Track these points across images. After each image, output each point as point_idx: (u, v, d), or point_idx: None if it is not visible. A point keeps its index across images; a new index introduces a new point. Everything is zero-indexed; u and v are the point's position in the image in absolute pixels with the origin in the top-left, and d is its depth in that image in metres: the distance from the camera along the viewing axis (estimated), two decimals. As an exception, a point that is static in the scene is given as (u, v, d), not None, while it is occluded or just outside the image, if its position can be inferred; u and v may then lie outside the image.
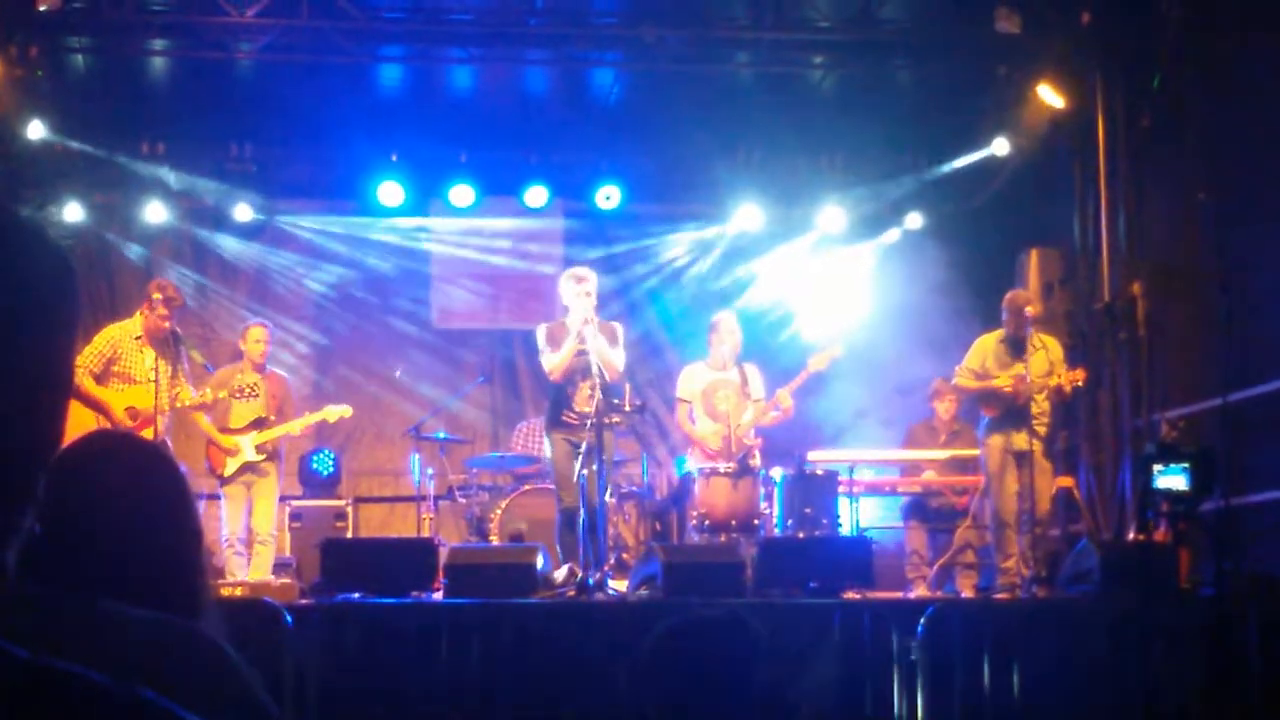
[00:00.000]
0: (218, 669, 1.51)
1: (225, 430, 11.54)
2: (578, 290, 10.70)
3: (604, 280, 11.18)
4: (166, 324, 10.79)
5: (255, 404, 11.63)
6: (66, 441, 2.43)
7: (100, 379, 10.71)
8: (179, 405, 10.92)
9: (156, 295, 10.86)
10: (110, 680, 1.14)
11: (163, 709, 1.15)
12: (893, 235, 15.51)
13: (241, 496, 11.53)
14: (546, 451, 11.16)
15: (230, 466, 11.47)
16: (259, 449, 11.54)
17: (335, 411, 12.20)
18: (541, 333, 10.99)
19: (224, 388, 11.37)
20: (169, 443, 10.84)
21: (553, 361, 10.77)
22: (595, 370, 10.33)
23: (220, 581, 10.88)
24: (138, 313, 11.01)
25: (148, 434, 10.47)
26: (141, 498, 2.38)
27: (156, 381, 10.56)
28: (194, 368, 11.22)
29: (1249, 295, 10.79)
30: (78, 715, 1.12)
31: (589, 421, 10.26)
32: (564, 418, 10.74)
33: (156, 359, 10.68)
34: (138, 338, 10.82)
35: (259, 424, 11.59)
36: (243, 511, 11.50)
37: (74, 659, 1.14)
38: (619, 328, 11.02)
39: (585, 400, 10.53)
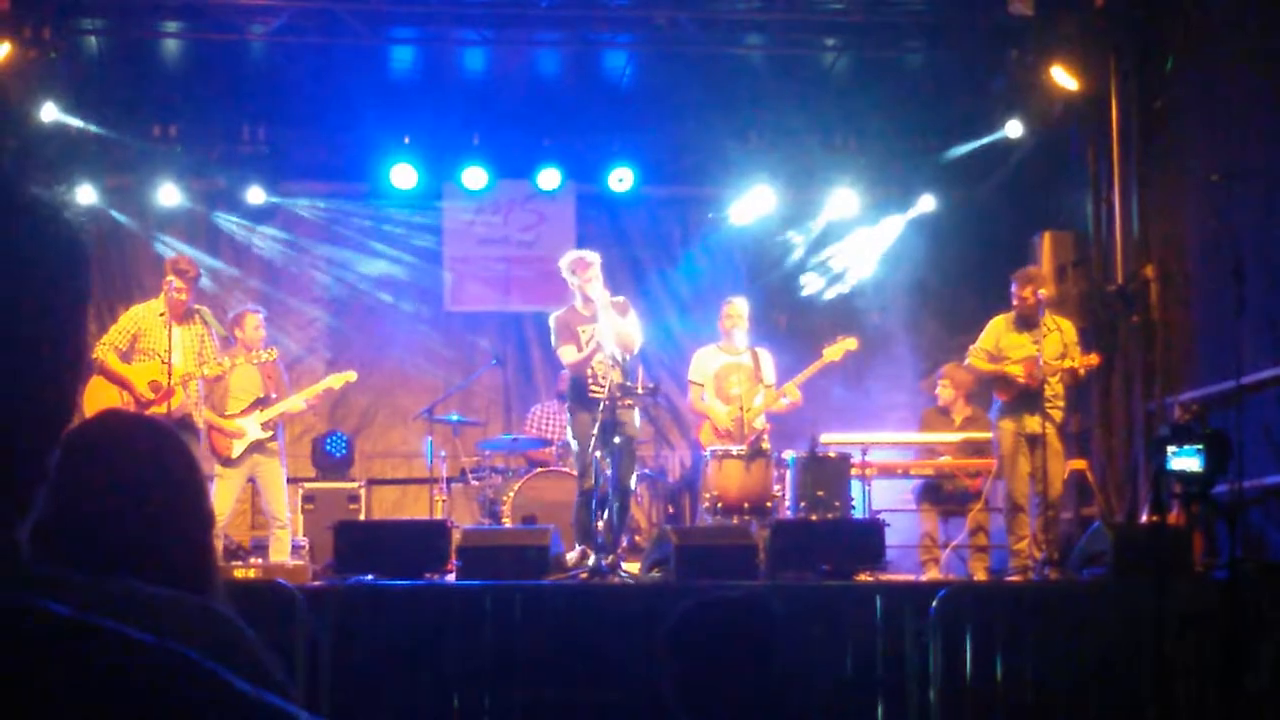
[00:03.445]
0: (232, 643, 1.51)
1: (225, 416, 11.57)
2: (586, 276, 10.73)
3: (616, 262, 11.15)
4: (184, 297, 11.03)
5: (254, 385, 11.71)
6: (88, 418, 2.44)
7: (126, 356, 11.01)
8: (206, 374, 11.08)
9: (171, 273, 11.11)
10: (154, 639, 1.15)
11: (204, 668, 1.16)
12: (905, 218, 15.47)
13: (240, 479, 11.55)
14: (569, 433, 11.14)
15: (237, 449, 11.49)
16: (264, 426, 11.59)
17: (340, 378, 12.25)
18: (553, 322, 11.01)
19: (236, 359, 11.49)
20: (196, 415, 10.99)
21: (572, 358, 10.79)
22: (609, 351, 10.35)
23: (234, 563, 10.92)
24: (161, 293, 11.16)
25: (174, 403, 10.78)
26: (151, 477, 2.38)
27: (170, 357, 10.76)
28: (219, 339, 11.40)
29: (1263, 277, 10.77)
30: (123, 671, 1.13)
31: (602, 402, 10.28)
32: (591, 394, 10.70)
33: (172, 332, 10.89)
34: (162, 314, 11.02)
35: (261, 403, 11.65)
36: (233, 498, 11.53)
37: None
38: (627, 302, 11.02)
39: (604, 379, 10.56)
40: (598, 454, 10.14)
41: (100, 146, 14.24)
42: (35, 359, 1.29)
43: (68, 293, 1.33)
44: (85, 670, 1.11)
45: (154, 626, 1.20)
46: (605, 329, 10.53)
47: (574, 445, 10.99)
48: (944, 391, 13.29)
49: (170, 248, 14.51)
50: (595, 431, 10.19)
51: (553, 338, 11.00)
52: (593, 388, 10.71)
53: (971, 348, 11.59)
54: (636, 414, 10.80)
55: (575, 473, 11.19)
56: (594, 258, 10.93)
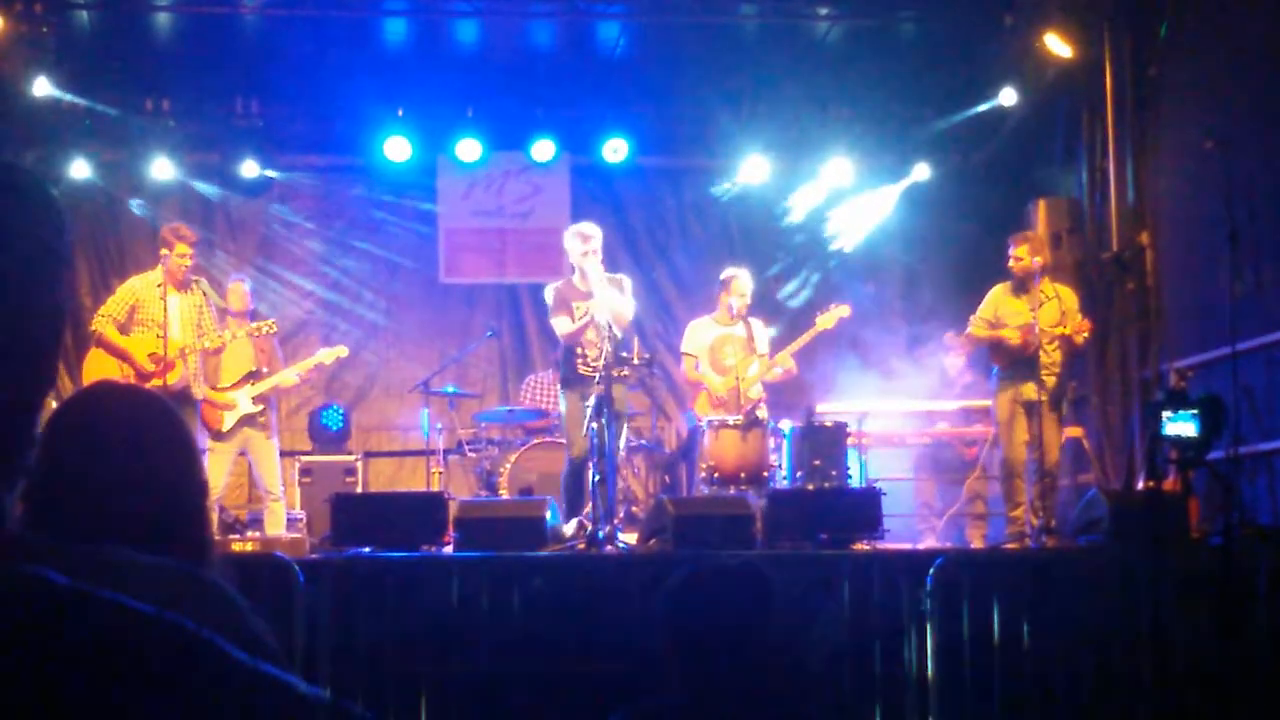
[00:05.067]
0: (223, 610, 1.51)
1: (217, 388, 11.53)
2: (584, 249, 10.68)
3: (611, 233, 11.11)
4: (188, 262, 10.99)
5: (246, 358, 11.68)
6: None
7: (124, 328, 10.89)
8: (204, 346, 11.01)
9: (174, 239, 11.01)
10: (152, 608, 1.15)
11: (202, 638, 1.16)
12: (900, 186, 15.46)
13: (231, 453, 11.53)
14: (561, 406, 11.14)
15: (228, 421, 11.46)
16: (255, 400, 11.56)
17: (330, 353, 12.24)
18: (550, 294, 10.97)
19: (236, 331, 11.44)
20: (195, 388, 10.94)
21: (566, 328, 10.76)
22: (605, 324, 10.33)
23: (232, 537, 10.92)
24: (158, 263, 11.06)
25: (173, 377, 10.71)
26: (144, 448, 2.38)
27: (165, 329, 10.69)
28: (217, 311, 11.36)
29: (1256, 243, 10.77)
30: (122, 640, 1.13)
31: (598, 375, 10.27)
32: (580, 371, 10.70)
33: (169, 303, 10.81)
34: (160, 285, 10.90)
35: (253, 376, 11.62)
36: (225, 471, 11.49)
37: None
38: (626, 280, 10.98)
39: (596, 355, 10.54)
40: (593, 426, 10.11)
41: (93, 121, 14.22)
42: (17, 324, 1.29)
43: (48, 258, 1.33)
44: (83, 640, 1.12)
45: (143, 594, 1.20)
46: (600, 303, 10.50)
47: (564, 418, 10.99)
48: (951, 361, 13.28)
49: (167, 223, 14.48)
50: (589, 405, 10.18)
51: (550, 309, 10.98)
52: (581, 366, 10.69)
53: (972, 316, 11.55)
54: (624, 388, 10.75)
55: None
56: (594, 231, 10.86)
